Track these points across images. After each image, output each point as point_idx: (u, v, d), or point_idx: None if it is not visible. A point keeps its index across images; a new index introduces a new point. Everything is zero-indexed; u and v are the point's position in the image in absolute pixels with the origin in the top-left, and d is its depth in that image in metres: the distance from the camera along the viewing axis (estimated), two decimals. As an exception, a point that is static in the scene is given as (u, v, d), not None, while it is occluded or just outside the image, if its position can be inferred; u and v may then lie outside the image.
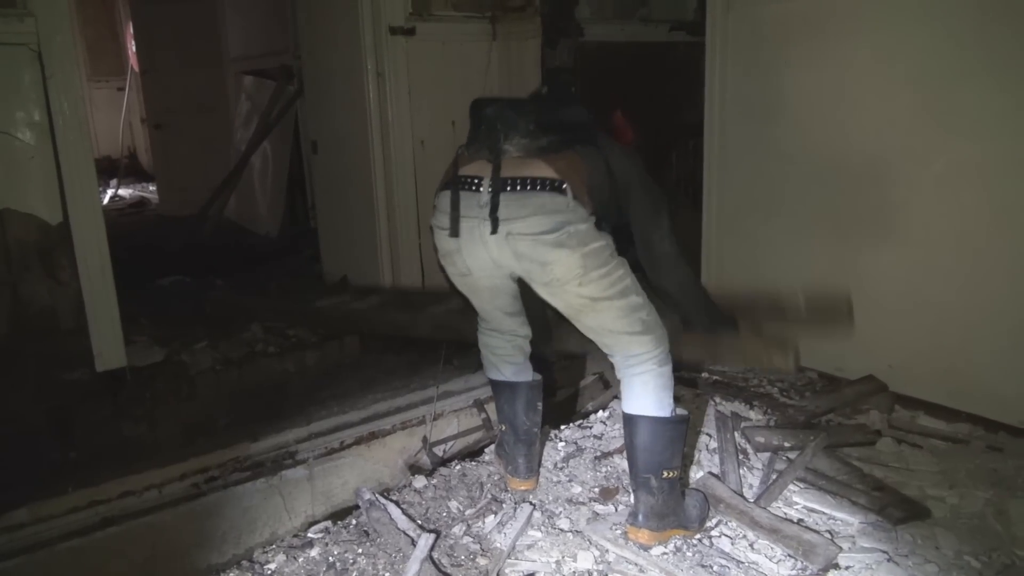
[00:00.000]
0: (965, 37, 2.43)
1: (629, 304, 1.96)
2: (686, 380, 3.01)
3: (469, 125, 2.08)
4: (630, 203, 2.07)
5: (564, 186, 1.88)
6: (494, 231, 1.90)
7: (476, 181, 1.96)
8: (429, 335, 2.91)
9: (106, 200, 7.68)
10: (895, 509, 2.06)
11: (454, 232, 1.97)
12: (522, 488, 2.31)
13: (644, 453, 1.98)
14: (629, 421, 2.01)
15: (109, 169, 8.62)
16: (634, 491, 2.02)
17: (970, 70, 2.43)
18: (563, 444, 2.56)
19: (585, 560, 1.93)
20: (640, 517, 1.98)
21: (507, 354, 2.29)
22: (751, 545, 1.97)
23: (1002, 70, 2.37)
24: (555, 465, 2.43)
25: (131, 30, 7.14)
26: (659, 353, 2.00)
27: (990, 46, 2.39)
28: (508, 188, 1.91)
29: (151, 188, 7.93)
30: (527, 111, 1.98)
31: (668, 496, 1.98)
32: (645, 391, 1.99)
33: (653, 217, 2.12)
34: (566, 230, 1.87)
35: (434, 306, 3.33)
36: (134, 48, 6.95)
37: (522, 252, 1.91)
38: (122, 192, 8.12)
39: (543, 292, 2.01)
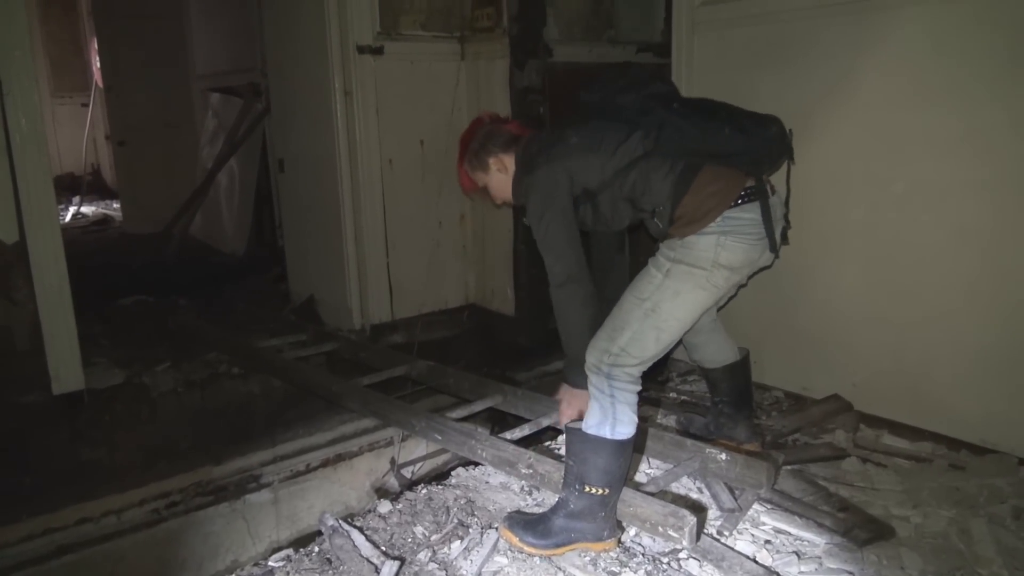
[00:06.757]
0: (923, 62, 2.49)
1: None
2: (652, 400, 3.02)
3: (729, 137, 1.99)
4: None
5: None
6: (784, 239, 2.11)
7: (769, 188, 2.06)
8: (357, 410, 2.88)
9: (68, 217, 7.55)
10: (861, 530, 2.07)
11: (773, 246, 2.04)
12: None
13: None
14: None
15: (72, 186, 8.49)
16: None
17: (928, 94, 2.49)
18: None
19: (553, 585, 1.91)
20: None
21: None
22: (718, 566, 1.97)
23: (958, 94, 2.42)
24: (522, 489, 2.41)
25: (95, 45, 7.06)
26: None
27: (947, 71, 2.44)
28: (775, 192, 2.10)
29: (115, 205, 7.82)
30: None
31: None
32: None
33: None
34: None
35: (376, 372, 3.15)
36: (98, 64, 6.86)
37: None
38: (85, 209, 7.98)
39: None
